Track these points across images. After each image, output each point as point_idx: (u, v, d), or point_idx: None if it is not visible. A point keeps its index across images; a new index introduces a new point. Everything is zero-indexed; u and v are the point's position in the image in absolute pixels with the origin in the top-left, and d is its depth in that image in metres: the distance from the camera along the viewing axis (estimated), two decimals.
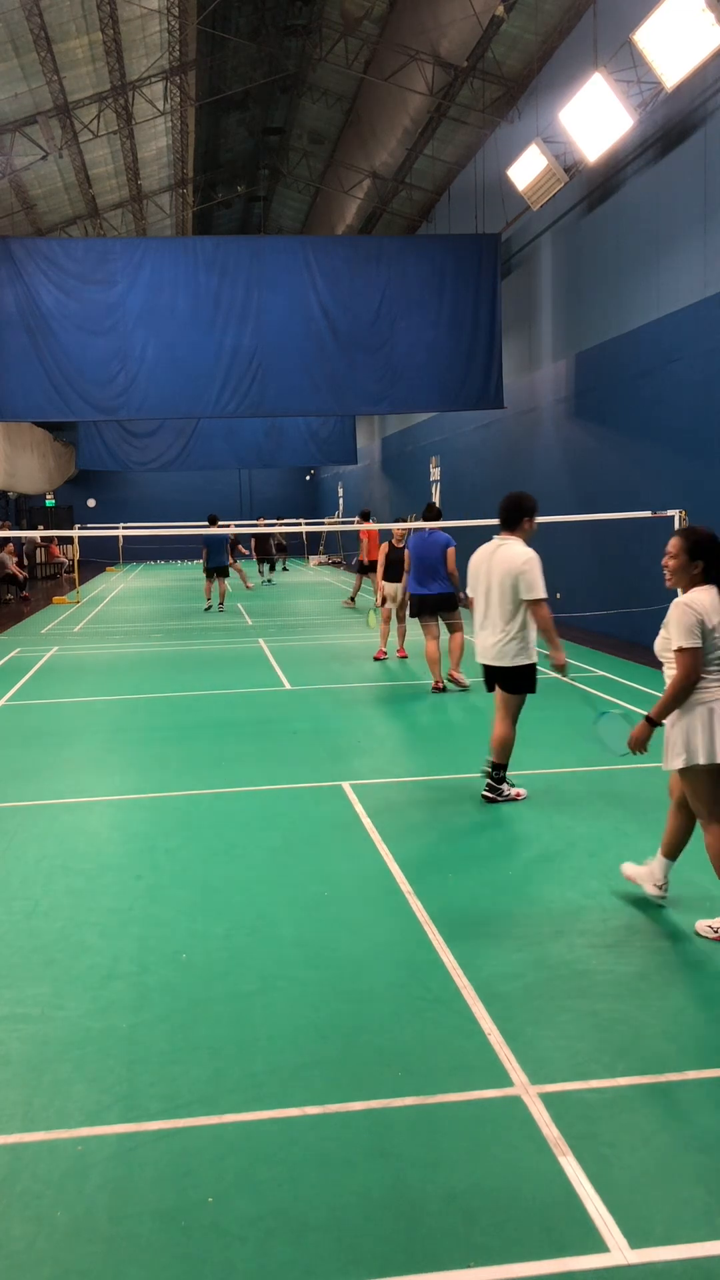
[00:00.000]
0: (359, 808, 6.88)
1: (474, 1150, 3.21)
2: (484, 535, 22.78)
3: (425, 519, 11.53)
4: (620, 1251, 2.77)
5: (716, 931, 4.70)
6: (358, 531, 21.51)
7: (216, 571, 20.73)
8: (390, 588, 13.04)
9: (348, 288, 18.22)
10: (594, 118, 13.76)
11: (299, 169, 27.14)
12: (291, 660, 13.68)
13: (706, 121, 12.35)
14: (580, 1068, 3.66)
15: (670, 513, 10.16)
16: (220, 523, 23.44)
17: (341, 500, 42.49)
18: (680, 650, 4.48)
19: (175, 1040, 3.92)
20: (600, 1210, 2.92)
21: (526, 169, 16.16)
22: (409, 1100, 3.49)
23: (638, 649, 13.41)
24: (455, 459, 24.28)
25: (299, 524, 31.89)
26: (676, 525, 9.97)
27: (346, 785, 7.44)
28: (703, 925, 4.76)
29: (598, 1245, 2.80)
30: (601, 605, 14.81)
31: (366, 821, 6.57)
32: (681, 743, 4.54)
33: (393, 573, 12.97)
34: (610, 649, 13.56)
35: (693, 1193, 3.01)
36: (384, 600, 13.20)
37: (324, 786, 7.46)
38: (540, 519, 14.39)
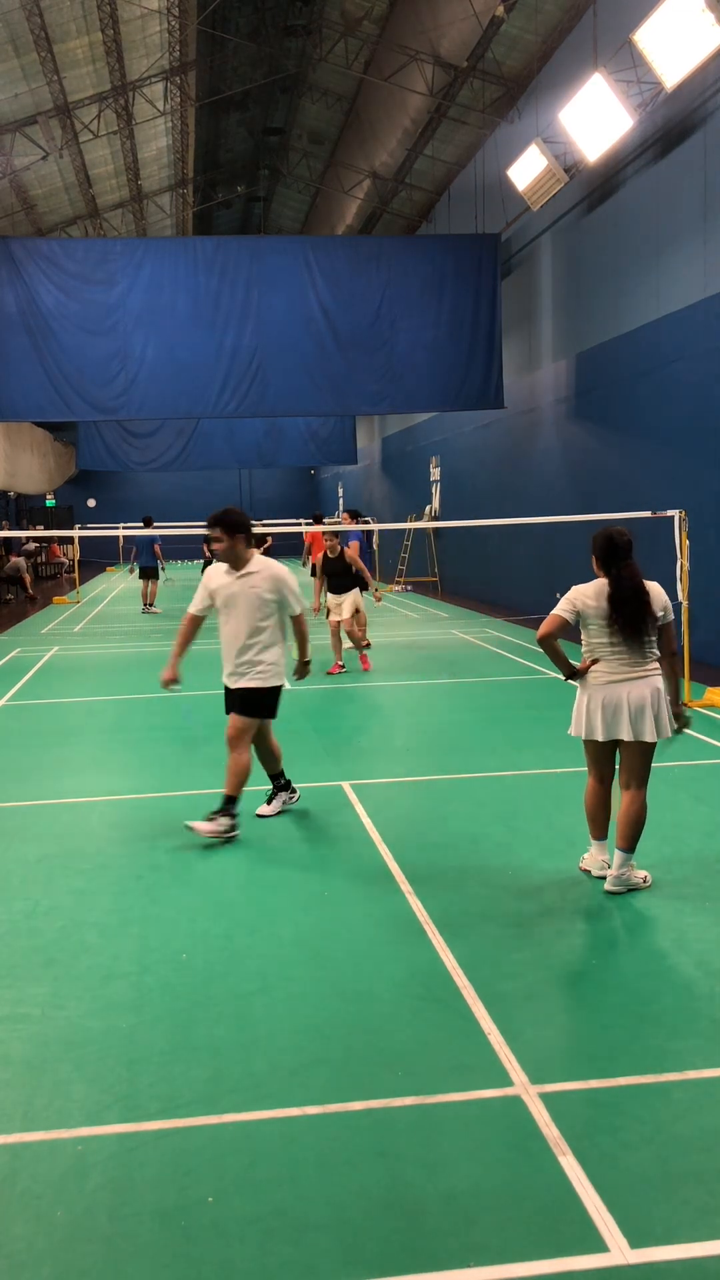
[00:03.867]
0: (359, 808, 6.88)
1: (474, 1150, 3.21)
2: (484, 535, 22.79)
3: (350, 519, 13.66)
4: (620, 1251, 2.77)
5: None
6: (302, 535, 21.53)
7: (146, 572, 20.85)
8: (333, 599, 12.36)
9: (348, 288, 18.22)
10: (594, 118, 13.76)
11: (299, 169, 27.14)
12: (291, 660, 13.65)
13: (706, 121, 12.35)
14: (580, 1068, 3.66)
15: (670, 513, 10.16)
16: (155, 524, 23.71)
17: (341, 500, 42.49)
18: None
19: (175, 1040, 3.92)
20: (600, 1210, 2.92)
21: (526, 169, 16.17)
22: (409, 1100, 3.49)
23: None
24: (455, 459, 24.28)
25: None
26: (676, 525, 9.97)
27: (346, 785, 7.44)
28: None
29: (598, 1245, 2.79)
30: None
31: (366, 821, 6.57)
32: (572, 718, 5.45)
33: (334, 584, 12.30)
34: None
35: (693, 1193, 3.00)
36: (327, 612, 12.45)
37: (324, 786, 7.46)
38: (540, 519, 14.27)
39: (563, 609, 5.24)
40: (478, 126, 19.82)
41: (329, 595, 12.39)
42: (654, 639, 5.20)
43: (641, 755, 5.21)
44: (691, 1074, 3.61)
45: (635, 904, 5.12)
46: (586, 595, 5.21)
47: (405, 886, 5.42)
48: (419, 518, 26.64)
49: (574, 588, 5.30)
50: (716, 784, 7.28)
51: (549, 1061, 3.70)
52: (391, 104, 20.53)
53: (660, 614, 5.17)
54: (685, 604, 9.99)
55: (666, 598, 5.22)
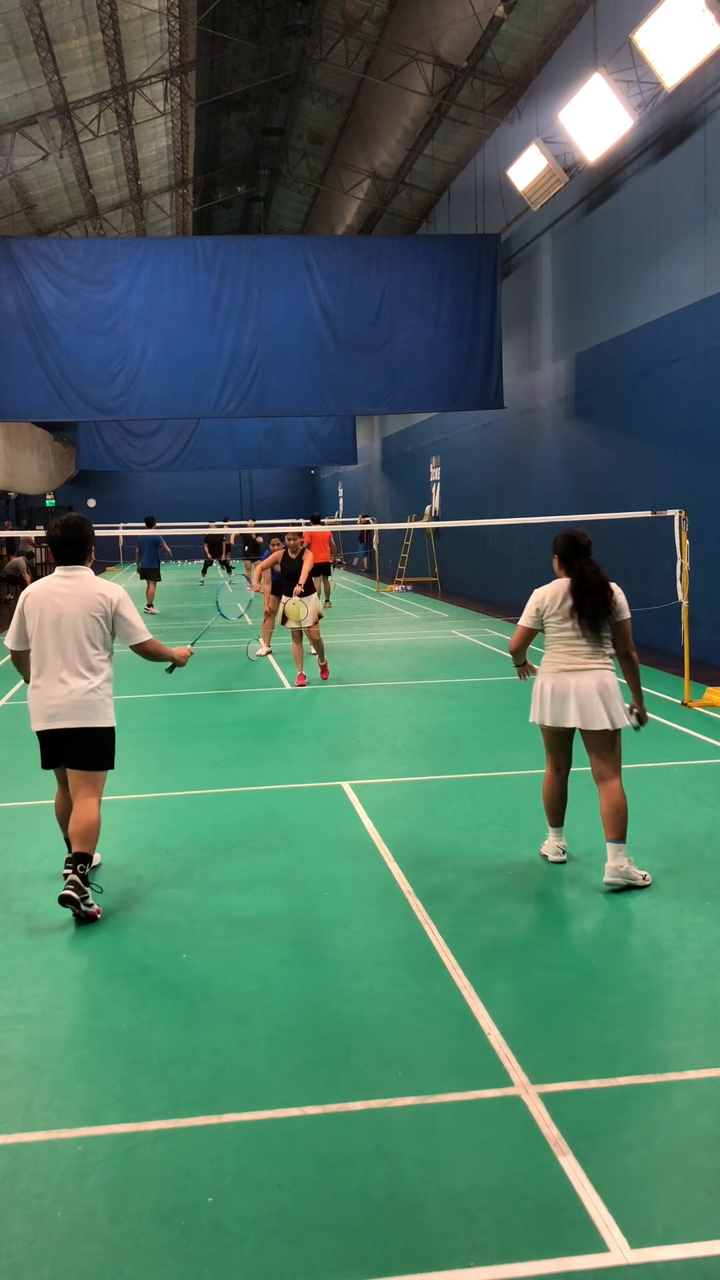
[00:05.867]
0: (359, 808, 6.88)
1: (474, 1150, 3.21)
2: (484, 534, 22.67)
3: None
4: (620, 1251, 2.77)
5: None
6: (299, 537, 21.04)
7: (148, 573, 20.70)
8: (292, 605, 11.33)
9: (348, 288, 18.22)
10: (594, 118, 13.76)
11: (299, 169, 27.14)
12: (291, 659, 13.66)
13: (706, 121, 12.35)
14: (580, 1068, 3.66)
15: (670, 513, 10.15)
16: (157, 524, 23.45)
17: (341, 500, 42.49)
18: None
19: (175, 1040, 3.92)
20: (600, 1210, 2.92)
21: (526, 169, 16.16)
22: (409, 1100, 3.49)
23: (638, 648, 13.39)
24: (455, 459, 24.28)
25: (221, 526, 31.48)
26: (676, 525, 9.97)
27: (346, 785, 7.44)
28: None
29: (598, 1245, 2.80)
30: None
31: (366, 821, 6.58)
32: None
33: (292, 587, 11.38)
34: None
35: (693, 1193, 3.01)
36: (284, 619, 11.47)
37: (324, 786, 7.46)
38: (540, 519, 14.30)
39: (526, 619, 5.55)
40: (478, 126, 19.82)
41: (287, 599, 11.50)
42: (609, 636, 5.41)
43: (603, 745, 5.34)
44: (691, 1074, 3.61)
45: (635, 904, 5.12)
46: (546, 595, 5.47)
47: (405, 886, 5.42)
48: (419, 518, 26.63)
49: (534, 592, 5.53)
50: (716, 784, 7.28)
51: (549, 1061, 3.70)
52: (391, 104, 20.52)
53: (618, 612, 5.39)
54: (685, 604, 9.99)
55: (624, 599, 5.45)
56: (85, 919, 5.01)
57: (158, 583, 21.29)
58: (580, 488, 16.50)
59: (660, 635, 13.06)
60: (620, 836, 5.24)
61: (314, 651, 12.15)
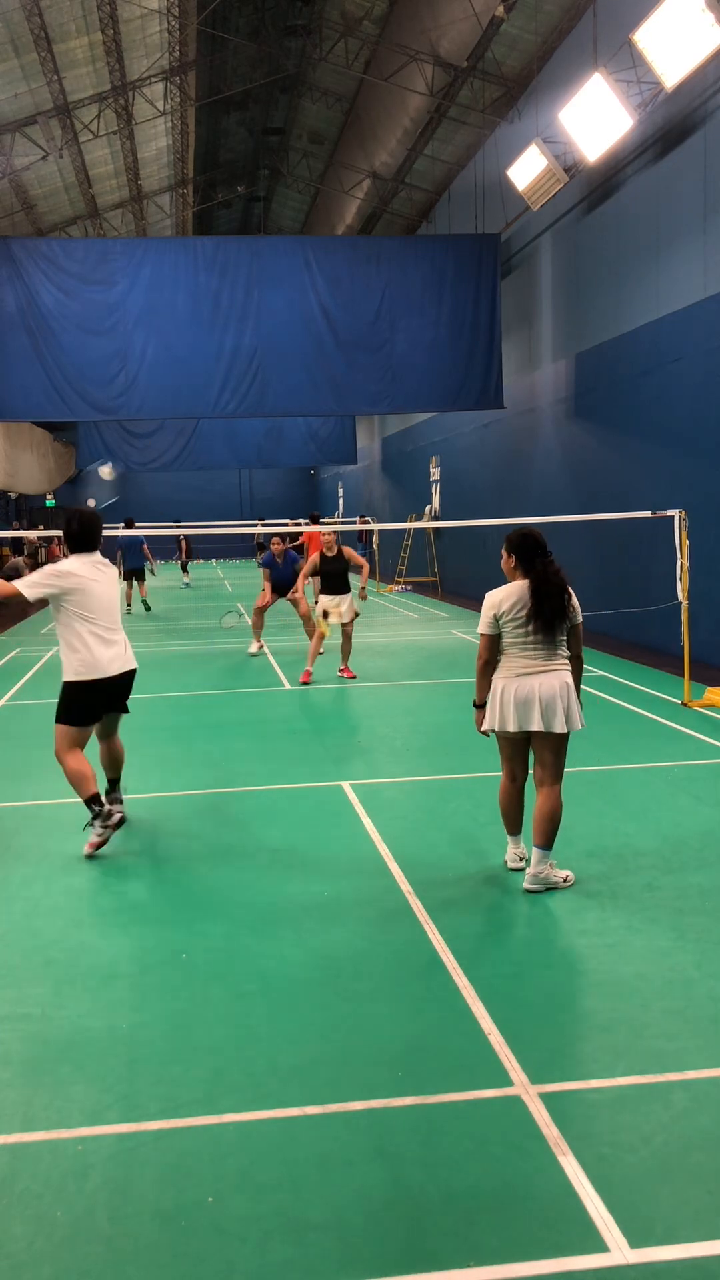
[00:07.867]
0: (359, 808, 6.88)
1: (474, 1150, 3.21)
2: (484, 534, 22.72)
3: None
4: (620, 1251, 2.77)
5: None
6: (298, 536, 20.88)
7: (134, 574, 20.65)
8: (329, 600, 11.77)
9: (348, 288, 18.22)
10: (594, 118, 13.75)
11: (299, 169, 27.14)
12: (291, 660, 13.67)
13: (706, 121, 12.35)
14: (580, 1068, 3.66)
15: (670, 513, 10.16)
16: (137, 524, 23.47)
17: (341, 500, 42.49)
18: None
19: (175, 1040, 3.92)
20: (600, 1210, 2.92)
21: (526, 169, 16.16)
22: (409, 1100, 3.49)
23: (638, 648, 13.40)
24: (455, 459, 24.28)
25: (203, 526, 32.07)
26: (676, 525, 9.97)
27: (346, 785, 7.44)
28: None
29: (598, 1245, 2.80)
30: (602, 605, 14.82)
31: (366, 821, 6.58)
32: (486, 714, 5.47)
33: (331, 584, 11.74)
34: (611, 649, 13.56)
35: (693, 1193, 3.01)
36: (325, 614, 11.81)
37: (324, 786, 7.46)
38: (540, 519, 14.34)
39: (485, 626, 5.35)
40: (478, 126, 19.82)
41: (324, 597, 11.81)
42: (564, 638, 5.34)
43: (554, 749, 5.30)
44: (691, 1074, 3.61)
45: (636, 904, 5.12)
46: (502, 598, 5.31)
47: (405, 886, 5.42)
48: (419, 518, 26.63)
49: (487, 596, 5.38)
50: (716, 784, 7.28)
51: (549, 1061, 3.70)
52: (391, 104, 20.52)
53: (573, 615, 5.34)
54: (685, 604, 9.99)
55: (577, 602, 5.40)
56: (118, 824, 6.04)
57: (143, 582, 21.21)
58: (580, 488, 16.50)
59: (660, 635, 13.06)
60: (548, 844, 5.27)
61: (320, 652, 12.21)
